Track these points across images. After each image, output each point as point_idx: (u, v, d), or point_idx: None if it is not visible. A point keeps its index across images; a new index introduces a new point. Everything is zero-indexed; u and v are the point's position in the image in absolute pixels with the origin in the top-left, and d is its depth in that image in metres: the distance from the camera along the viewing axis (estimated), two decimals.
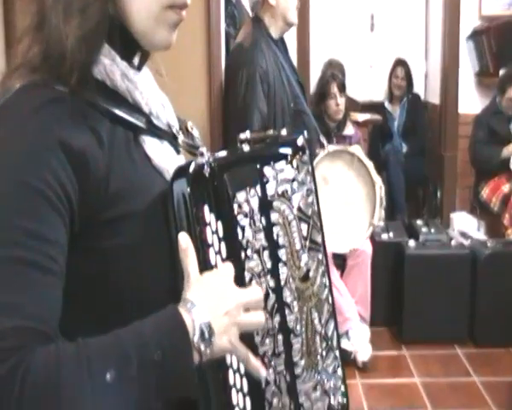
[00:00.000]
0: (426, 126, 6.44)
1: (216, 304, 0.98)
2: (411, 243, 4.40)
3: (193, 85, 3.51)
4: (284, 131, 1.19)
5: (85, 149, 0.99)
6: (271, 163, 1.09)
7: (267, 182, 1.08)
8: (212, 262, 1.04)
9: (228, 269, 1.03)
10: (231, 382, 1.04)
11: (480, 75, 5.89)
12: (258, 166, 1.08)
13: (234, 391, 1.05)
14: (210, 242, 1.04)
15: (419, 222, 4.90)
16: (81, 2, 1.04)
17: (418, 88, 6.67)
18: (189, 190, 1.03)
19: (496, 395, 3.70)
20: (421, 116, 6.47)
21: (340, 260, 4.12)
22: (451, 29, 5.85)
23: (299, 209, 1.12)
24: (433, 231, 4.66)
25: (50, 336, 0.93)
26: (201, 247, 1.03)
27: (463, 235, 4.86)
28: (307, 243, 1.12)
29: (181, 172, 1.06)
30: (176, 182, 1.05)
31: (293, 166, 1.12)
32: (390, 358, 4.19)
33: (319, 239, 1.15)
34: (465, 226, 5.34)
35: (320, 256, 1.15)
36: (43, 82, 1.03)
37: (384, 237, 4.54)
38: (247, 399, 1.07)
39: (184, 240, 1.01)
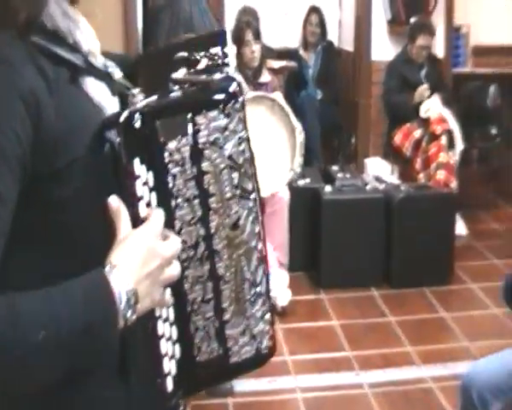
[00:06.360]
0: (340, 74, 6.49)
1: (138, 266, 0.98)
2: (327, 188, 4.48)
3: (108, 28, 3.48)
4: (217, 76, 1.15)
5: (37, 92, 0.97)
6: (204, 111, 1.08)
7: (199, 131, 1.07)
8: (142, 215, 1.03)
9: (156, 219, 1.03)
10: (160, 332, 1.06)
11: (392, 23, 5.96)
12: (190, 114, 1.07)
13: (163, 341, 1.06)
14: (140, 194, 1.03)
15: (334, 168, 4.99)
16: None
17: (332, 36, 6.71)
18: (119, 140, 1.01)
19: (409, 333, 3.86)
20: (335, 64, 6.51)
21: None
22: None
23: (230, 158, 1.11)
24: (348, 176, 4.76)
25: None
26: (132, 201, 1.02)
27: (378, 179, 4.97)
28: (238, 191, 1.12)
29: (111, 122, 1.04)
30: (106, 133, 1.03)
31: (225, 115, 1.09)
32: (309, 302, 4.28)
33: (250, 187, 1.14)
34: (379, 171, 5.47)
35: (250, 204, 1.14)
36: None
37: (301, 183, 4.60)
38: (177, 346, 1.09)
39: (115, 201, 1.01)
